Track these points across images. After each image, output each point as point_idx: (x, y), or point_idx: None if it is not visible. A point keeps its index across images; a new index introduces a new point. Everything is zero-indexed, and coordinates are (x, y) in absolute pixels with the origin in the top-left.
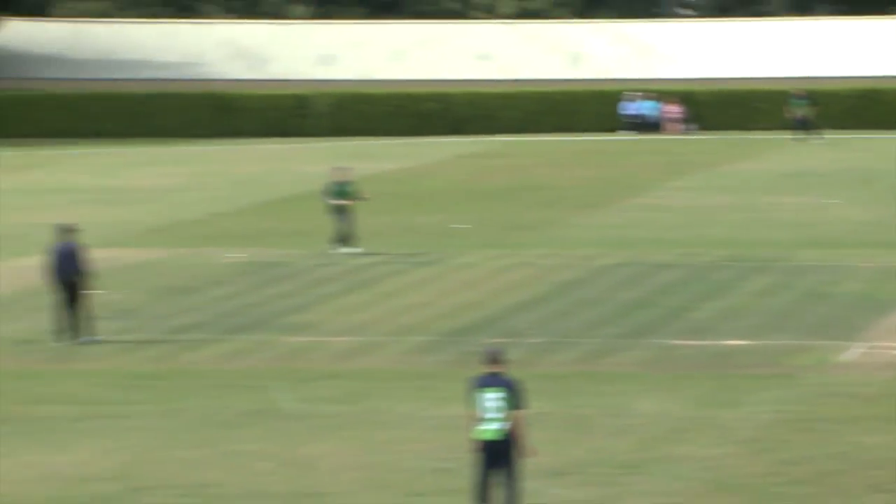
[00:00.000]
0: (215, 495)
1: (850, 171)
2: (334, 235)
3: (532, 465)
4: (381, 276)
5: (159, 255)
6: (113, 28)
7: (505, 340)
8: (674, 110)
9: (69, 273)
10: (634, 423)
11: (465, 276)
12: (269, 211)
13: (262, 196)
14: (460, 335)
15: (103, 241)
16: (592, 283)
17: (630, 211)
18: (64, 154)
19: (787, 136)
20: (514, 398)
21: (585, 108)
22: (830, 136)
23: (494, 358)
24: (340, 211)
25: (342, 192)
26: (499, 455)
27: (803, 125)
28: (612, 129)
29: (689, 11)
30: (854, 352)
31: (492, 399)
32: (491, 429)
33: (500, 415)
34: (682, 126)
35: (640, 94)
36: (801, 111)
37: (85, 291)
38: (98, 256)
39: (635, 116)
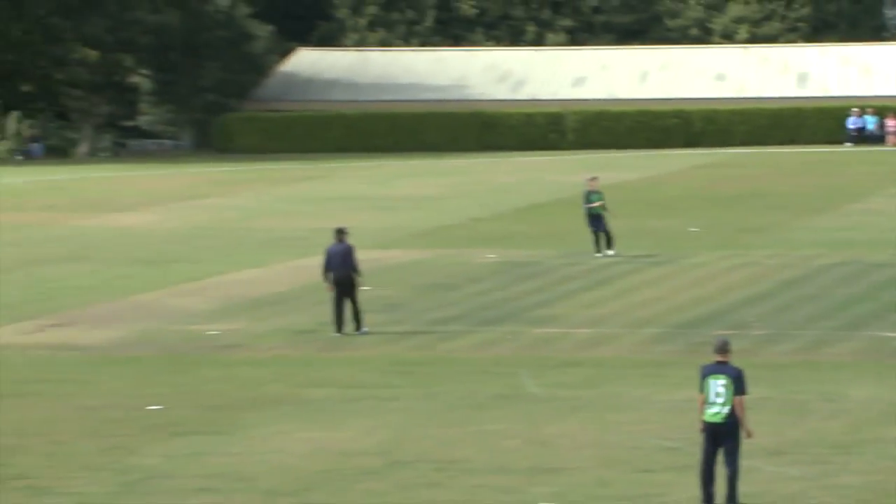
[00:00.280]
0: (465, 469)
1: None
2: (593, 240)
3: (752, 445)
4: (621, 274)
5: (424, 255)
6: (391, 56)
7: (731, 332)
8: (894, 124)
9: (342, 271)
10: (848, 407)
11: (697, 275)
12: (523, 216)
13: (517, 203)
14: (690, 327)
15: (375, 244)
16: (813, 280)
17: (850, 215)
18: (344, 167)
19: None
20: (737, 385)
21: (810, 123)
22: None
23: (722, 348)
24: (594, 217)
25: (594, 200)
26: (722, 436)
27: None
28: (834, 143)
29: None
30: None
31: (717, 385)
32: (716, 412)
33: (725, 399)
34: None
35: (857, 109)
36: None
37: (356, 288)
38: (370, 257)
39: (858, 130)
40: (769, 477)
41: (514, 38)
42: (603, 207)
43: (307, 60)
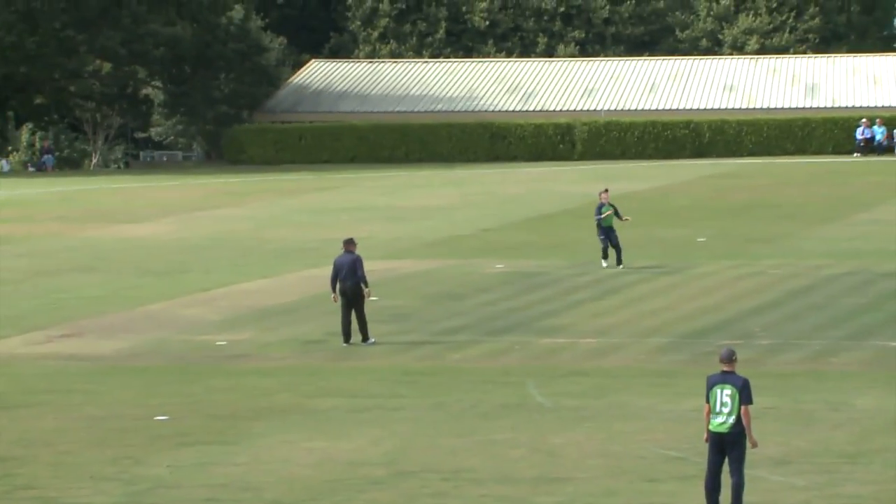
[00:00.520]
0: (471, 479)
1: None
2: (602, 248)
3: (758, 454)
4: (628, 283)
5: (433, 265)
6: (402, 67)
7: (737, 342)
8: None
9: (350, 282)
10: (854, 417)
11: (704, 284)
12: (532, 226)
13: (526, 213)
14: (697, 337)
15: (385, 254)
16: (820, 290)
17: (857, 225)
18: (355, 177)
19: None
20: (743, 394)
21: (819, 134)
22: None
23: (728, 358)
24: (605, 229)
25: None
26: (728, 445)
27: None
28: (843, 153)
29: None
30: None
31: (723, 395)
32: (721, 422)
33: (731, 409)
34: None
35: (866, 120)
36: None
37: (363, 298)
38: (380, 267)
39: (867, 140)
40: (775, 487)
41: (525, 49)
42: (617, 215)
43: (319, 72)
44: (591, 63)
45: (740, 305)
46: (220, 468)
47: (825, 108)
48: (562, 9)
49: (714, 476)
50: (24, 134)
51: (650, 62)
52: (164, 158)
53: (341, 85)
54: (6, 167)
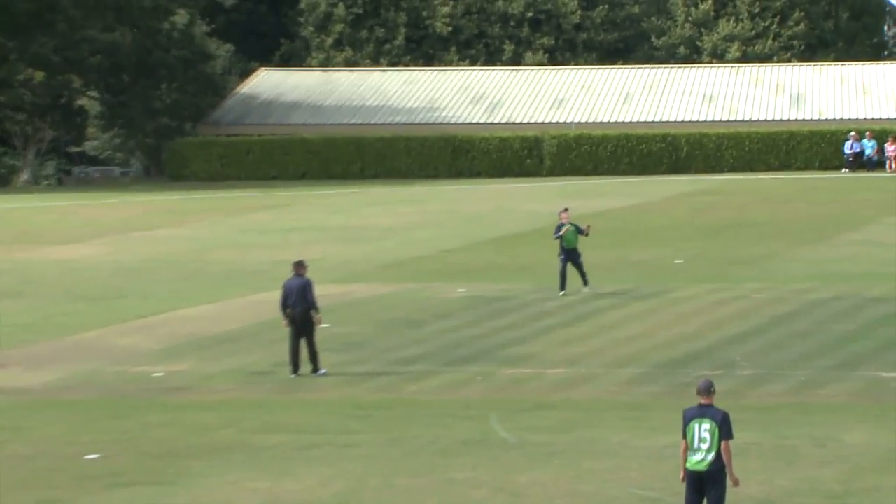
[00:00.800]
0: None
1: None
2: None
3: (740, 494)
4: (600, 309)
5: (389, 289)
6: (358, 76)
7: (717, 372)
8: (893, 149)
9: (300, 307)
10: (842, 453)
11: (682, 310)
12: (497, 247)
13: (491, 233)
14: (673, 367)
15: (338, 277)
16: (806, 316)
17: (846, 246)
18: (306, 195)
19: None
20: (723, 429)
21: (805, 148)
22: None
23: (706, 390)
24: (569, 252)
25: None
26: (707, 484)
27: None
28: (830, 168)
29: None
30: None
31: (702, 430)
32: (700, 459)
33: (710, 445)
34: None
35: (854, 133)
36: None
37: (314, 325)
38: (332, 291)
39: (855, 155)
40: None
41: (491, 57)
42: (579, 231)
43: (269, 81)
44: (560, 72)
45: (720, 332)
46: None
47: (811, 120)
48: (530, 14)
49: None
50: None
51: (624, 71)
52: (99, 175)
53: (292, 95)
54: None
